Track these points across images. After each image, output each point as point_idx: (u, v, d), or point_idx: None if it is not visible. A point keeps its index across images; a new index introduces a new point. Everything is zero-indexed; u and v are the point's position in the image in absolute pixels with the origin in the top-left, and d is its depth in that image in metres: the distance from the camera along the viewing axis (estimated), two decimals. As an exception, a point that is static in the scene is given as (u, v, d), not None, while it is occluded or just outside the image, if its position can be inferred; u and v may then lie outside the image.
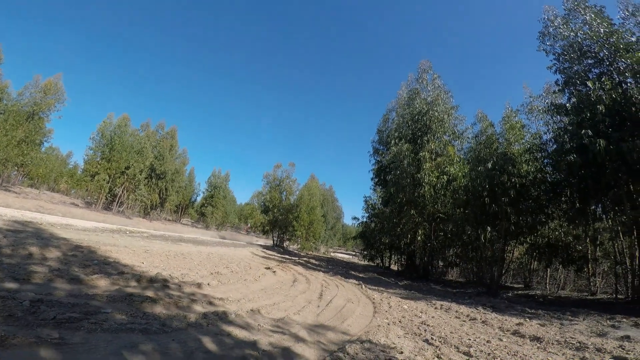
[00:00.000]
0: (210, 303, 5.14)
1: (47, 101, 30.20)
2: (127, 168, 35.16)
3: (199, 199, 59.89)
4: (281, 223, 37.21)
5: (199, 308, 4.72)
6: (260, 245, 29.59)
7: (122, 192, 36.45)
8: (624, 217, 12.31)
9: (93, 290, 4.50)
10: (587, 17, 13.07)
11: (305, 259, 23.58)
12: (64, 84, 31.73)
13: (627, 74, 11.51)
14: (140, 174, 37.23)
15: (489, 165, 14.71)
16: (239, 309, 4.98)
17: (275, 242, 37.59)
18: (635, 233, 12.08)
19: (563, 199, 14.34)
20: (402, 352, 4.11)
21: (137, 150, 36.56)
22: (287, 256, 22.70)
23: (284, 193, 39.00)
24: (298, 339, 4.14)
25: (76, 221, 16.08)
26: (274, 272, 11.15)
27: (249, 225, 48.78)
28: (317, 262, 21.71)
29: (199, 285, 6.21)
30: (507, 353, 4.41)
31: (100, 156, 33.73)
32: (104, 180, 32.95)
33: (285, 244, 39.08)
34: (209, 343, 3.33)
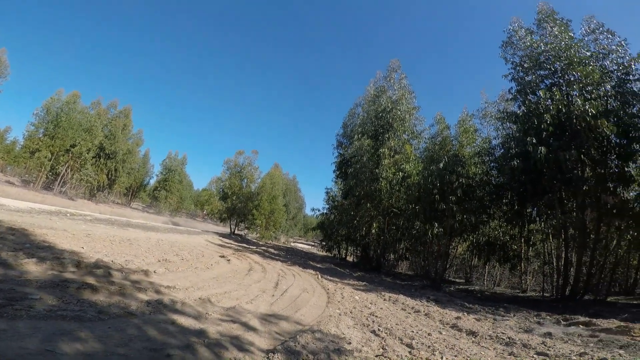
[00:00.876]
0: (157, 291, 4.88)
1: None
2: (73, 146, 32.54)
3: (152, 182, 56.28)
4: (240, 211, 36.33)
5: (142, 296, 4.46)
6: (217, 233, 28.70)
7: (66, 171, 33.16)
8: (554, 221, 13.76)
9: (24, 276, 4.04)
10: (555, 30, 13.96)
11: (263, 248, 23.36)
12: (9, 58, 28.54)
13: (574, 86, 12.49)
14: (88, 153, 34.33)
15: (441, 165, 15.59)
16: (187, 297, 4.80)
17: (233, 230, 36.67)
18: (562, 236, 13.50)
19: (504, 200, 15.60)
20: (350, 343, 4.24)
21: (85, 128, 33.96)
22: (244, 245, 22.32)
23: (245, 180, 38.00)
24: (249, 328, 4.10)
25: (9, 201, 14.28)
26: (229, 260, 10.91)
27: (205, 212, 46.88)
28: (276, 252, 21.63)
29: (145, 273, 5.86)
30: (446, 346, 4.69)
31: (43, 133, 31.04)
32: (45, 157, 29.98)
33: (244, 232, 38.33)
34: (150, 331, 3.17)
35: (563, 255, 13.14)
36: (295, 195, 62.52)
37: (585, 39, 13.81)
